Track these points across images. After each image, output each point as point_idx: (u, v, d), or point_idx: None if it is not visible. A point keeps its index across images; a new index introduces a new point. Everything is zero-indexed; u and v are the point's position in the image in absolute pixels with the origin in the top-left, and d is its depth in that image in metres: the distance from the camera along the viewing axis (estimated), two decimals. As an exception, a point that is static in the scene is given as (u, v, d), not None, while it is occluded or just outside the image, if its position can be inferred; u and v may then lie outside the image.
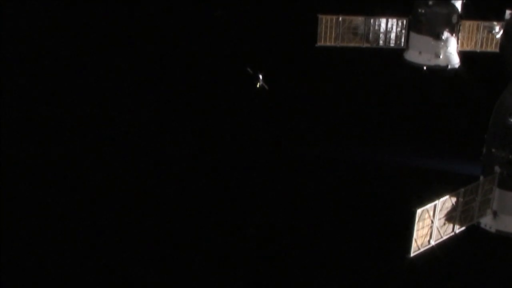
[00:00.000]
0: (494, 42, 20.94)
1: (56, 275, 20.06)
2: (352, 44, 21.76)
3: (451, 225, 14.81)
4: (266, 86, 23.25)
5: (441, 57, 21.04)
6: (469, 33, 21.44)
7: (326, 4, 22.56)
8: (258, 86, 23.35)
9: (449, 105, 25.11)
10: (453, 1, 20.96)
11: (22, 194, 22.56)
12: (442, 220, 14.54)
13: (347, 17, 21.51)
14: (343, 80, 26.60)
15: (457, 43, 21.40)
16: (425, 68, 21.32)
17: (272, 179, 23.64)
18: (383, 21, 21.72)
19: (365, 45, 21.84)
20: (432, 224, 14.34)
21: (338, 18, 21.38)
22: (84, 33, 28.83)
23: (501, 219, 15.49)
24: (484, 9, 20.58)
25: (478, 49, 21.65)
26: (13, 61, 27.44)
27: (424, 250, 14.37)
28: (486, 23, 20.53)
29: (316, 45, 21.59)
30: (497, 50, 19.01)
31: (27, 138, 24.75)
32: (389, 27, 21.74)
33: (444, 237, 14.75)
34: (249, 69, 23.29)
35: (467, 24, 21.37)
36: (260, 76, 23.38)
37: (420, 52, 21.27)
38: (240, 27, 28.28)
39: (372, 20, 21.70)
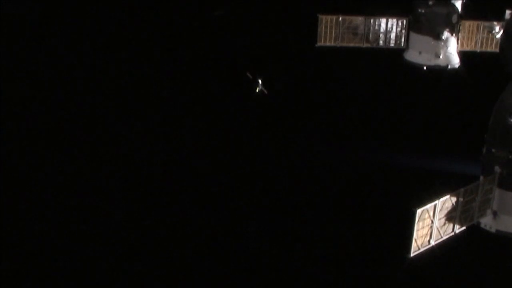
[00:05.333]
0: (494, 42, 20.89)
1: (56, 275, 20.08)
2: (352, 44, 21.72)
3: (451, 225, 14.79)
4: (265, 91, 23.27)
5: (441, 57, 21.01)
6: (469, 33, 21.41)
7: (326, 4, 22.54)
8: (257, 90, 23.38)
9: (449, 105, 25.11)
10: (453, 1, 20.93)
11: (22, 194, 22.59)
12: (442, 220, 14.52)
13: (347, 17, 21.48)
14: (343, 80, 26.60)
15: (457, 43, 21.38)
16: (425, 68, 21.29)
17: (272, 179, 23.65)
18: (383, 21, 21.69)
19: (365, 45, 21.81)
20: (432, 224, 14.33)
21: (338, 18, 21.36)
22: (82, 32, 28.82)
23: (501, 219, 15.47)
24: (484, 9, 20.55)
25: (478, 49, 21.62)
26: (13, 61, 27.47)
27: (424, 250, 14.35)
28: (486, 23, 20.45)
29: (316, 45, 21.57)
30: (497, 50, 18.94)
31: (27, 138, 24.78)
32: (389, 27, 21.71)
33: (444, 237, 14.73)
34: (248, 74, 23.31)
35: (467, 24, 21.33)
36: (260, 81, 23.41)
37: (420, 52, 21.24)
38: (240, 27, 28.28)
39: (372, 20, 21.67)
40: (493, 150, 15.37)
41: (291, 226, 21.99)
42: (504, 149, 15.18)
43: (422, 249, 14.35)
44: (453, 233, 14.91)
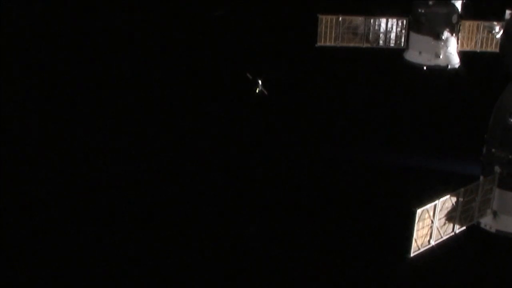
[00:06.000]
0: (494, 42, 20.90)
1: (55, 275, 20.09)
2: (352, 44, 21.72)
3: (451, 225, 14.79)
4: (265, 92, 23.28)
5: (441, 57, 21.01)
6: (469, 33, 21.41)
7: (326, 4, 22.55)
8: (257, 91, 23.40)
9: (449, 105, 25.12)
10: (453, 1, 20.93)
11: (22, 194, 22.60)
12: (442, 220, 14.52)
13: (347, 17, 21.48)
14: (343, 80, 26.60)
15: (457, 43, 21.38)
16: (425, 68, 21.30)
17: (272, 179, 23.65)
18: (383, 21, 21.69)
19: (365, 45, 21.81)
20: (432, 224, 14.33)
21: (338, 18, 21.37)
22: (82, 32, 28.83)
23: (501, 219, 15.47)
24: (484, 9, 20.55)
25: (478, 49, 21.63)
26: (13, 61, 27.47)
27: (424, 250, 14.36)
28: (486, 23, 20.46)
29: (316, 45, 21.57)
30: (497, 50, 18.95)
31: (27, 138, 24.78)
32: (389, 27, 21.71)
33: (444, 237, 14.73)
34: (248, 75, 23.32)
35: (467, 24, 21.33)
36: (260, 82, 23.42)
37: (420, 52, 21.24)
38: (240, 27, 28.29)
39: (372, 20, 21.67)
40: (493, 150, 15.36)
41: (291, 226, 21.99)
42: (504, 149, 15.18)
43: (422, 249, 14.35)
44: (453, 233, 14.91)
